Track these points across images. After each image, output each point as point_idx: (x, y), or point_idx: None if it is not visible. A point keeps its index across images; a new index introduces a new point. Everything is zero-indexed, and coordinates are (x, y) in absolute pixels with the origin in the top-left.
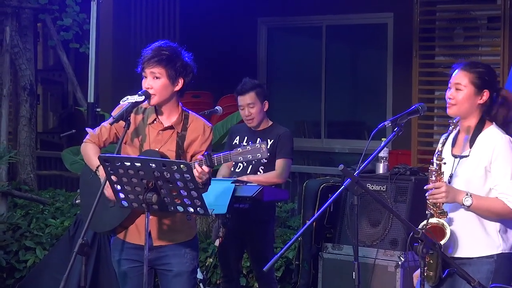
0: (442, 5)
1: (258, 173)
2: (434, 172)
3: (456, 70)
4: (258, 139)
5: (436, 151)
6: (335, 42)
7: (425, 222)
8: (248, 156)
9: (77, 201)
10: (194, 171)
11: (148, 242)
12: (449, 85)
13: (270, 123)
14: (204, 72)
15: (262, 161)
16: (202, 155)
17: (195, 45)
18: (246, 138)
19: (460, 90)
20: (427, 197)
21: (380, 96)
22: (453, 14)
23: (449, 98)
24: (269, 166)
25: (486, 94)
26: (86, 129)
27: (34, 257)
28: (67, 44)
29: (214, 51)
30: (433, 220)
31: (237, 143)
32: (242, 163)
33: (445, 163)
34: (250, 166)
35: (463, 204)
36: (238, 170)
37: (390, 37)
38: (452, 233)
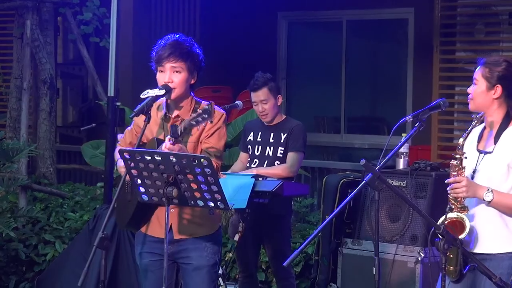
0: (463, 0)
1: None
2: (455, 167)
3: (478, 66)
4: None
5: (458, 145)
6: (356, 37)
7: (443, 217)
8: (199, 118)
9: None
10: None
11: (168, 235)
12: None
13: (284, 117)
14: (224, 66)
15: (278, 155)
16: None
17: (216, 39)
18: (260, 133)
19: (476, 85)
20: (448, 192)
21: (400, 92)
22: (474, 9)
23: (469, 94)
24: (285, 162)
25: (499, 89)
26: (118, 136)
27: (54, 250)
28: (87, 38)
29: (234, 45)
30: (452, 215)
31: (251, 140)
32: (255, 158)
33: (466, 158)
34: (266, 161)
35: (484, 200)
36: (254, 165)
37: (410, 32)
38: (472, 228)
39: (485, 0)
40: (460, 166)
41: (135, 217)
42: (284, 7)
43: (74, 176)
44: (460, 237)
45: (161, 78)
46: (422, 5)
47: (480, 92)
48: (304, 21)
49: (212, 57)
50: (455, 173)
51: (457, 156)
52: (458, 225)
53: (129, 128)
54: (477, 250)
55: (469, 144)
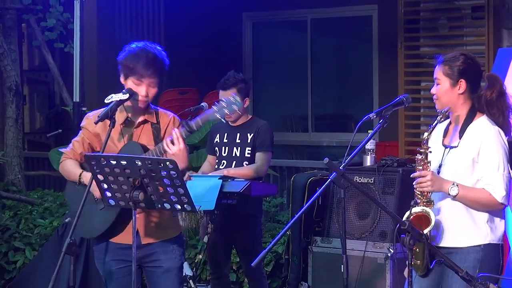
0: None
1: None
2: (420, 161)
3: (437, 65)
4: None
5: (423, 139)
6: (320, 36)
7: (408, 212)
8: (225, 110)
9: (66, 220)
10: (168, 148)
11: (136, 240)
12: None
13: (250, 117)
14: (190, 68)
15: (245, 155)
16: (180, 124)
17: (180, 41)
18: (226, 134)
19: (439, 85)
20: (414, 186)
21: (367, 88)
22: (437, 4)
23: (434, 94)
24: (253, 161)
25: (463, 83)
26: (59, 150)
27: (24, 258)
28: (52, 44)
29: (199, 46)
30: (417, 209)
31: (218, 141)
32: (224, 160)
33: (431, 152)
34: (234, 161)
35: (449, 194)
36: (222, 167)
37: (375, 29)
38: (438, 222)
39: None
40: (426, 161)
41: (113, 227)
42: (248, 7)
43: (42, 182)
44: (425, 231)
45: (133, 88)
46: (385, 2)
47: (445, 90)
48: (269, 20)
49: (177, 59)
50: (421, 168)
51: (422, 150)
52: (424, 219)
53: (76, 138)
54: (443, 244)
55: (435, 139)
